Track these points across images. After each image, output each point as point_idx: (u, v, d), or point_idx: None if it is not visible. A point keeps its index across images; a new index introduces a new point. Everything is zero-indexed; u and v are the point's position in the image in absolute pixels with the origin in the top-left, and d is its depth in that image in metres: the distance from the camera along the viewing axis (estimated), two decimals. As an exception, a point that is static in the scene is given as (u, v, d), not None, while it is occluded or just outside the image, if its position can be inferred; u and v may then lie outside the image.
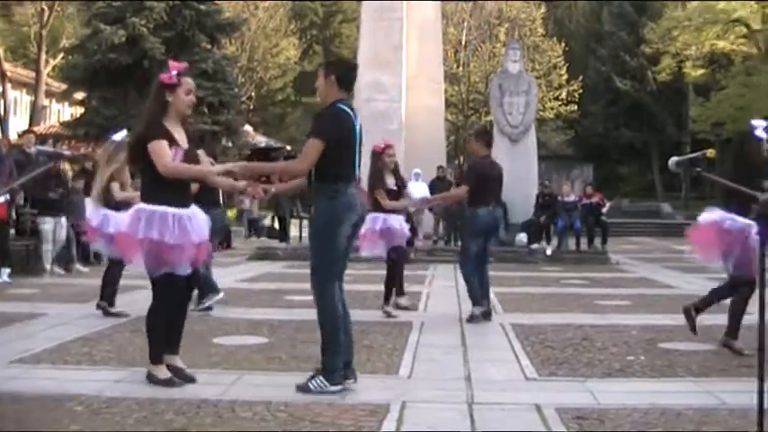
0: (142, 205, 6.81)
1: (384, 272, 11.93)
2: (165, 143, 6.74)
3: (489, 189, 11.45)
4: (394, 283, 11.79)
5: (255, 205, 33.87)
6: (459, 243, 15.54)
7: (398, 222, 11.73)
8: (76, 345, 8.91)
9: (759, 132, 9.03)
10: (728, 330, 9.05)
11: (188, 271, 6.91)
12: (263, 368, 7.68)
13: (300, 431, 5.75)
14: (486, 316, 11.22)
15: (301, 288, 12.24)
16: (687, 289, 15.51)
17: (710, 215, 9.00)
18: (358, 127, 7.10)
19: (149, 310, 6.99)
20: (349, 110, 7.10)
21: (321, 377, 6.81)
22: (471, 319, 11.06)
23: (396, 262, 11.87)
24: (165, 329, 7.00)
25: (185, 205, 6.88)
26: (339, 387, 6.80)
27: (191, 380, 6.99)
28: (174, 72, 6.89)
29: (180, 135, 6.95)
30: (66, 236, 17.48)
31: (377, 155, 11.68)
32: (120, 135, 10.96)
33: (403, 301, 12.13)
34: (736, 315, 9.04)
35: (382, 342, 9.29)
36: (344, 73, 7.22)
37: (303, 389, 6.77)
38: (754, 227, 8.52)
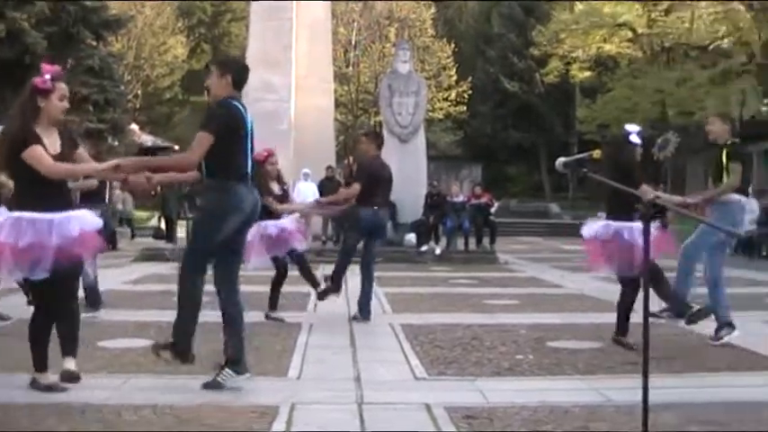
0: (8, 213, 6.57)
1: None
2: (40, 147, 6.52)
3: (379, 190, 11.49)
4: (281, 288, 11.65)
5: (130, 205, 33.49)
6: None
7: (293, 224, 11.62)
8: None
9: (633, 138, 9.24)
10: (618, 328, 9.18)
11: (44, 275, 6.51)
12: (150, 371, 7.53)
13: (188, 435, 5.66)
14: (368, 316, 11.37)
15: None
16: (574, 288, 15.76)
17: (589, 229, 9.18)
18: (250, 124, 7.04)
19: (30, 319, 6.80)
20: (241, 106, 7.04)
21: (228, 369, 6.91)
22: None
23: (300, 265, 11.80)
24: (45, 337, 6.78)
25: (59, 208, 6.61)
26: (248, 375, 6.94)
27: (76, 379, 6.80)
28: (48, 76, 6.67)
29: (50, 140, 6.69)
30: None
31: (259, 163, 11.58)
32: None
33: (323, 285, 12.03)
34: (624, 312, 9.19)
35: (271, 344, 9.22)
36: (240, 73, 7.19)
37: (215, 386, 6.79)
38: (635, 228, 8.69)
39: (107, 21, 34.84)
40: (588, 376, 7.69)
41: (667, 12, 41.69)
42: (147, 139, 46.02)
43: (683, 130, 37.57)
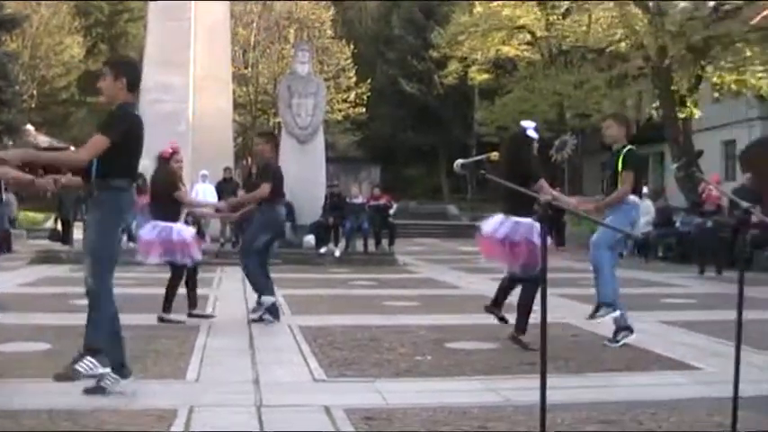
0: None
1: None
2: None
3: (281, 189, 11.51)
4: (176, 291, 11.51)
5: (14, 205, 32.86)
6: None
7: (191, 235, 11.50)
8: None
9: (530, 132, 9.36)
10: (517, 326, 9.28)
11: None
12: (46, 375, 7.39)
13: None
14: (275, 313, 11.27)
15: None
16: (472, 289, 15.88)
17: (486, 226, 9.26)
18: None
19: None
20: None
21: (90, 358, 6.66)
22: (256, 311, 11.11)
23: (189, 278, 11.66)
24: None
25: None
26: (108, 369, 6.69)
27: None
28: None
29: None
30: None
31: (165, 160, 11.46)
32: None
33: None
34: (525, 309, 9.29)
35: (169, 346, 9.11)
36: (135, 75, 7.19)
37: (71, 375, 6.63)
38: (534, 227, 8.82)
39: (2, 20, 34.16)
40: (487, 377, 7.75)
41: (565, 15, 42.33)
42: (44, 140, 45.17)
43: (581, 132, 38.23)
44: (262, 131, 13.86)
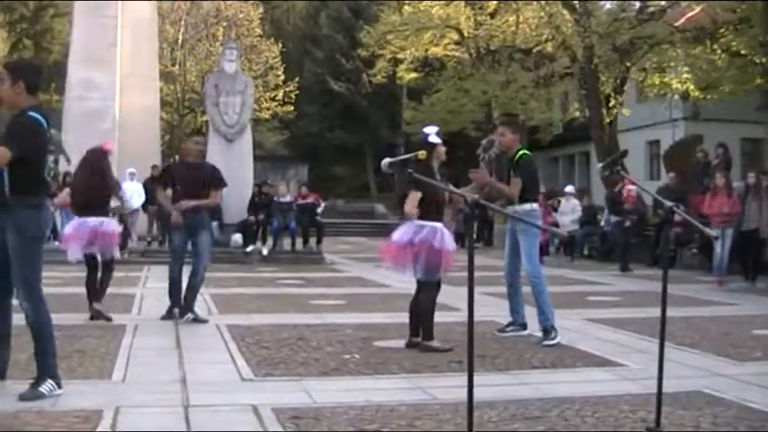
0: None
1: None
2: None
3: None
4: (96, 285, 11.40)
5: None
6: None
7: (114, 227, 11.43)
8: None
9: (432, 138, 9.41)
10: (424, 334, 9.22)
11: None
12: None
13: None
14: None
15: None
16: (400, 288, 15.90)
17: (395, 234, 9.18)
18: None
19: None
20: (42, 118, 6.76)
21: (51, 382, 6.63)
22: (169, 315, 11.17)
23: (107, 265, 11.53)
24: None
25: None
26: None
27: None
28: None
29: None
30: None
31: (102, 156, 11.39)
32: None
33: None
34: (429, 316, 9.26)
35: (95, 346, 9.03)
36: (35, 78, 6.93)
37: (34, 395, 6.51)
38: (438, 231, 8.85)
39: None
40: (414, 375, 7.80)
41: (493, 15, 42.52)
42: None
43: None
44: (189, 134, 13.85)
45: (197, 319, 11.18)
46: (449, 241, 8.95)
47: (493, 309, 11.72)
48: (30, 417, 6.04)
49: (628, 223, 21.95)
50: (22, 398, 6.48)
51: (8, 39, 59.56)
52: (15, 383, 6.85)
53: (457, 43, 44.56)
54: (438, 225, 8.94)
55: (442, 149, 9.50)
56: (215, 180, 11.68)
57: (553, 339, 9.54)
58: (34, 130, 6.68)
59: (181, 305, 11.36)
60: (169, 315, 11.43)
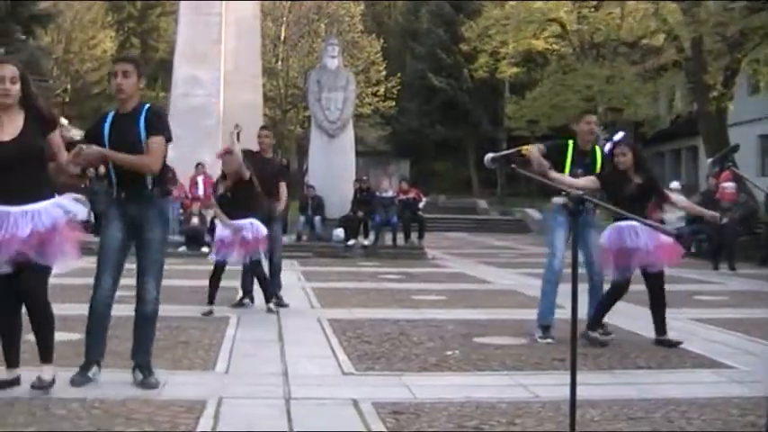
0: None
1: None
2: None
3: None
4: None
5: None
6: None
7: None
8: None
9: None
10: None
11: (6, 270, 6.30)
12: (77, 365, 7.43)
13: (115, 428, 5.59)
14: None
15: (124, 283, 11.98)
16: (501, 284, 15.84)
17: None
18: None
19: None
20: None
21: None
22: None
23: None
24: None
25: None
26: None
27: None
28: None
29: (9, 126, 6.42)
30: None
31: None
32: None
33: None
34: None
35: (199, 338, 9.14)
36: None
37: (155, 384, 6.75)
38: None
39: (36, 15, 34.51)
40: (515, 372, 7.71)
41: (597, 7, 41.90)
42: (77, 133, 45.44)
43: (613, 126, 37.83)
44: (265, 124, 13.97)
45: (280, 304, 11.80)
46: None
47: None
48: (136, 405, 6.15)
49: (725, 220, 21.41)
50: (149, 386, 6.71)
51: (116, 37, 60.81)
52: (122, 372, 6.99)
53: (560, 37, 44.02)
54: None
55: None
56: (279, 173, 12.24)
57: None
58: (168, 122, 7.03)
59: (252, 295, 11.92)
60: (240, 304, 11.91)
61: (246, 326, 10.22)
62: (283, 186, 12.30)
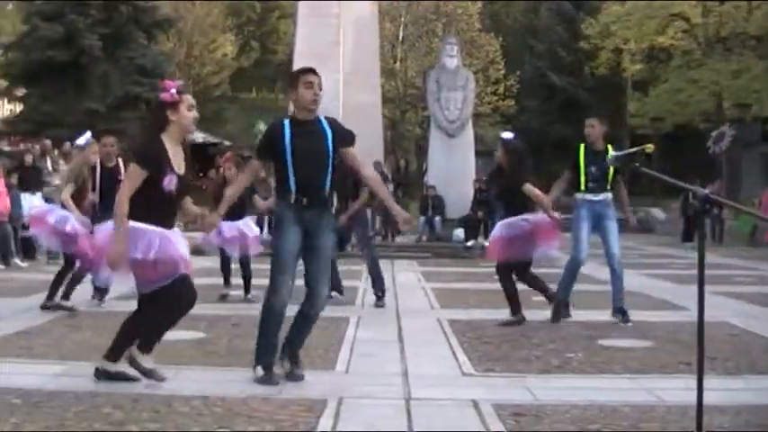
0: (132, 223, 6.53)
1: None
2: (139, 171, 6.56)
3: None
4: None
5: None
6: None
7: None
8: (16, 339, 8.80)
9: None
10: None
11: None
12: (200, 363, 7.56)
13: (236, 427, 5.65)
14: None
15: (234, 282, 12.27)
16: (625, 285, 15.54)
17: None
18: None
19: (137, 315, 6.90)
20: None
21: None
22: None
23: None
24: (146, 333, 6.87)
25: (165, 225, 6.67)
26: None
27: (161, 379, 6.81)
28: (174, 90, 6.69)
29: (176, 158, 6.74)
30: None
31: None
32: (84, 138, 10.89)
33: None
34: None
35: (319, 338, 9.17)
36: None
37: (300, 377, 7.06)
38: None
39: (158, 20, 35.39)
40: (639, 375, 7.54)
41: (722, 1, 40.83)
42: (199, 136, 46.33)
43: (740, 123, 36.92)
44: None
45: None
46: None
47: (723, 310, 11.27)
48: (257, 403, 6.21)
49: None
50: (295, 378, 6.98)
51: (236, 41, 61.77)
52: (243, 371, 7.08)
53: (684, 32, 43.09)
54: None
55: None
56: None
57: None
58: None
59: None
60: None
61: (366, 326, 10.25)
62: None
